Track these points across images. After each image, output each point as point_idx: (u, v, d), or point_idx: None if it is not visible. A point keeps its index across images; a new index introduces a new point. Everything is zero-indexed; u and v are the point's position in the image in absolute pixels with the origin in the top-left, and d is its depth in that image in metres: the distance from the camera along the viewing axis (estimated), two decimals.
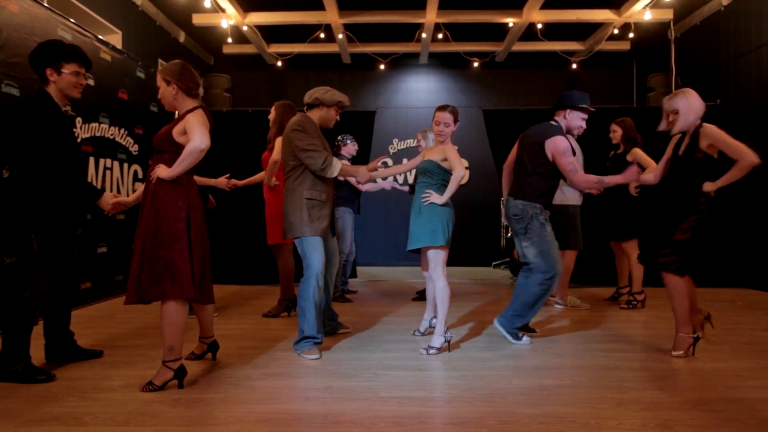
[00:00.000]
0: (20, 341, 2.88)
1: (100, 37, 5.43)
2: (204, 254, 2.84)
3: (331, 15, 7.56)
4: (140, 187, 3.24)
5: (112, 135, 5.39)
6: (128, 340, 3.77)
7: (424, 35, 8.28)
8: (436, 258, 3.52)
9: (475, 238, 9.01)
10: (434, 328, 3.60)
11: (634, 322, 4.42)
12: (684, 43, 7.97)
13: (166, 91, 2.83)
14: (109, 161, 5.32)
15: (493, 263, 8.74)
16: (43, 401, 2.58)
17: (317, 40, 8.48)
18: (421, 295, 5.62)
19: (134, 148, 5.76)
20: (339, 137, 5.37)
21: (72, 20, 4.84)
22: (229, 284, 6.47)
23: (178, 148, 2.73)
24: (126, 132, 5.62)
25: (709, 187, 3.32)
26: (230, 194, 4.83)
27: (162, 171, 2.72)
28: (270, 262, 4.77)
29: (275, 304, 4.74)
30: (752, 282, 6.23)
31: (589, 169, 5.21)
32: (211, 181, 4.39)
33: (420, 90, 9.68)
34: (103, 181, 5.23)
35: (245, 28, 8.00)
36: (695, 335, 3.37)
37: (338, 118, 3.72)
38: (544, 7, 7.41)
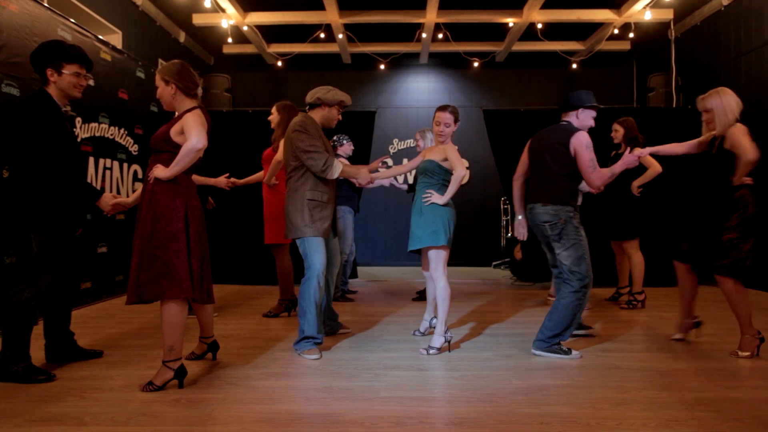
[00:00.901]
0: (20, 341, 2.88)
1: (100, 37, 5.43)
2: (203, 254, 2.83)
3: (331, 15, 7.56)
4: (140, 188, 3.23)
5: (112, 135, 5.39)
6: (128, 340, 3.77)
7: (424, 35, 8.28)
8: (437, 258, 3.52)
9: (475, 238, 9.01)
10: (434, 328, 3.60)
11: (634, 322, 4.42)
12: (684, 43, 7.97)
13: (165, 91, 2.83)
14: (109, 161, 5.32)
15: (493, 263, 8.74)
16: (43, 401, 2.58)
17: (317, 40, 8.48)
18: (421, 295, 5.62)
19: (134, 148, 5.76)
20: (335, 137, 5.38)
21: (72, 20, 4.84)
22: (229, 284, 6.48)
23: (176, 148, 2.73)
24: (126, 132, 5.62)
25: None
26: (230, 194, 4.84)
27: (159, 171, 2.72)
28: (270, 262, 4.78)
29: (275, 304, 4.74)
30: (752, 282, 6.22)
31: None
32: (211, 181, 4.39)
33: (420, 90, 9.69)
34: (103, 180, 5.23)
35: (245, 28, 8.00)
36: (760, 336, 3.38)
37: (340, 117, 3.72)
38: (544, 7, 7.41)
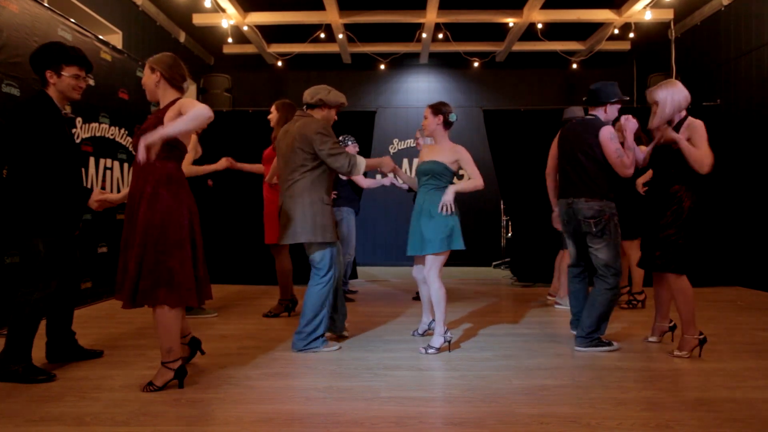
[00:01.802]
0: (23, 342, 2.87)
1: (101, 37, 5.44)
2: (203, 258, 2.82)
3: (331, 15, 7.56)
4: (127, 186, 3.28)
5: (112, 135, 5.39)
6: (128, 340, 3.77)
7: (424, 35, 8.28)
8: (436, 261, 3.51)
9: (475, 238, 9.00)
10: (433, 330, 3.60)
11: (634, 322, 4.42)
12: (684, 43, 7.97)
13: (150, 79, 2.78)
14: (109, 161, 5.32)
15: (494, 263, 8.74)
16: (43, 401, 2.58)
17: (317, 40, 8.48)
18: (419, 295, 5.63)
19: None
20: (341, 138, 5.38)
21: (72, 20, 4.84)
22: (229, 284, 6.47)
23: (170, 139, 2.61)
24: (126, 132, 5.62)
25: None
26: (230, 194, 4.83)
27: (159, 132, 2.47)
28: (270, 262, 4.77)
29: (275, 304, 4.74)
30: (752, 282, 6.23)
31: None
32: (212, 167, 4.47)
33: (420, 90, 9.68)
34: (104, 180, 5.23)
35: (245, 28, 8.00)
36: (701, 336, 3.35)
37: (336, 118, 3.73)
38: (544, 7, 7.41)
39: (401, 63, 9.38)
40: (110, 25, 6.56)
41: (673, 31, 8.00)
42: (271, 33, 8.55)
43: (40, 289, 2.89)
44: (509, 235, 8.18)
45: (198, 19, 7.86)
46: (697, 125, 3.30)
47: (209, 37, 8.82)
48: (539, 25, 7.98)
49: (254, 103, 9.01)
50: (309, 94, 3.61)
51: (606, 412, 2.47)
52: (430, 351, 3.43)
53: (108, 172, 5.31)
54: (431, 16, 7.58)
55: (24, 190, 2.91)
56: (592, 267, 3.63)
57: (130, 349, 3.51)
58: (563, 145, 3.67)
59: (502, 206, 8.63)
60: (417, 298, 5.58)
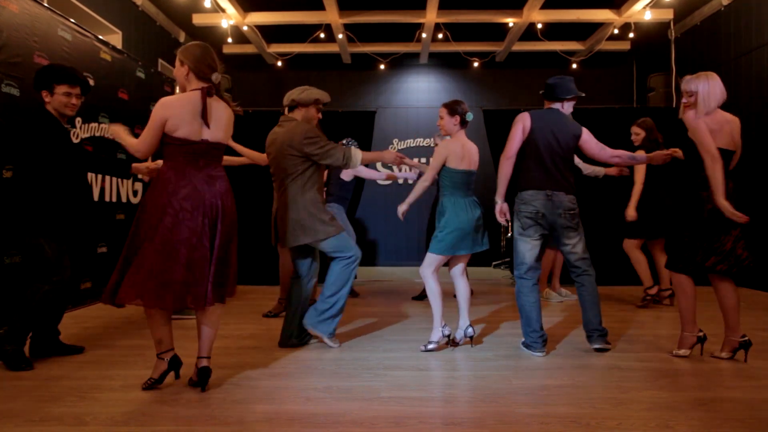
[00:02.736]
0: (23, 327, 3.10)
1: (100, 37, 5.43)
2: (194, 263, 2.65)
3: (331, 15, 7.57)
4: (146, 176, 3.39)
5: (112, 135, 5.38)
6: (128, 340, 3.76)
7: (424, 35, 8.28)
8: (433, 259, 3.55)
9: None
10: (468, 336, 3.59)
11: (634, 322, 4.42)
12: (684, 43, 7.97)
13: (179, 72, 2.76)
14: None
15: (493, 263, 8.74)
16: (43, 401, 2.58)
17: (317, 40, 8.48)
18: (421, 294, 5.64)
19: None
20: (343, 141, 5.37)
21: (72, 20, 4.83)
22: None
23: (165, 138, 2.68)
24: (126, 132, 5.61)
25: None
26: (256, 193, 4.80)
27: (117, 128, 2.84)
28: (269, 262, 4.77)
29: (275, 304, 4.74)
30: (752, 282, 6.22)
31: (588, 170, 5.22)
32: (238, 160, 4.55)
33: (420, 90, 9.69)
34: (103, 181, 5.23)
35: (245, 28, 8.00)
36: (701, 334, 3.36)
37: (320, 115, 3.72)
38: (544, 7, 7.41)
39: (401, 63, 9.38)
40: (110, 25, 6.56)
41: (673, 31, 8.00)
42: (271, 33, 8.55)
43: (49, 283, 3.10)
44: (509, 235, 8.18)
45: (198, 19, 7.86)
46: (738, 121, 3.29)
47: (209, 37, 8.80)
48: (539, 25, 7.98)
49: (254, 103, 9.00)
50: (285, 97, 3.67)
51: (606, 412, 2.47)
52: (429, 347, 3.45)
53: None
54: (431, 16, 7.58)
55: (27, 192, 3.17)
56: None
57: (129, 350, 3.51)
58: (543, 135, 3.50)
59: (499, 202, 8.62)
60: (416, 298, 5.58)
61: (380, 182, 5.35)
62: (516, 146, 3.54)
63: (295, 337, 3.61)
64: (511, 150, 3.56)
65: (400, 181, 5.17)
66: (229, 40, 8.11)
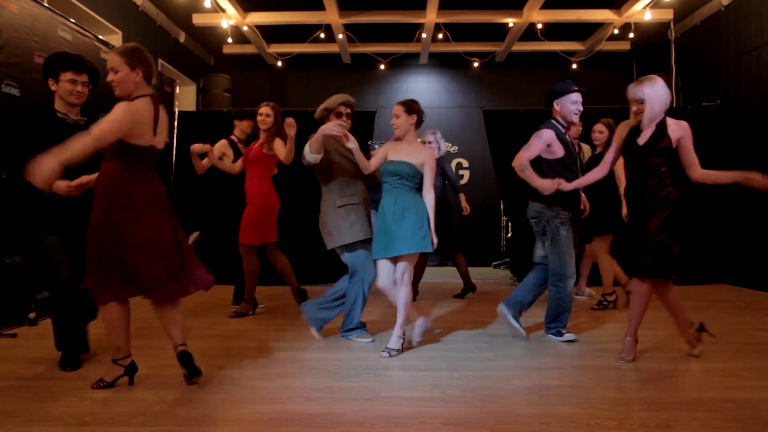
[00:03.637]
0: (57, 330, 3.14)
1: (100, 37, 5.43)
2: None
3: (331, 15, 7.56)
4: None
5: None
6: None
7: (424, 35, 8.28)
8: (411, 263, 3.44)
9: (475, 238, 9.00)
10: (421, 330, 3.60)
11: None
12: (684, 43, 7.97)
13: (129, 77, 2.61)
14: None
15: (493, 263, 8.74)
16: (43, 401, 2.58)
17: (317, 40, 8.48)
18: (463, 291, 5.66)
19: None
20: (368, 142, 5.34)
21: (72, 20, 4.84)
22: (230, 285, 6.45)
23: (119, 143, 2.59)
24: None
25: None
26: (229, 194, 4.80)
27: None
28: (268, 262, 4.77)
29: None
30: (752, 282, 6.22)
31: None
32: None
33: (420, 90, 9.68)
34: None
35: (245, 28, 8.00)
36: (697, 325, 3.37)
37: (345, 118, 3.75)
38: (544, 7, 7.41)
39: (401, 63, 9.38)
40: (110, 25, 6.56)
41: (673, 31, 8.00)
42: (271, 33, 8.55)
43: (59, 279, 3.09)
44: (509, 235, 8.18)
45: (198, 19, 7.86)
46: (687, 126, 3.23)
47: (209, 37, 8.82)
48: (539, 25, 7.98)
49: (254, 103, 8.92)
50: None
51: (606, 412, 2.46)
52: (393, 353, 3.37)
53: None
54: (431, 16, 7.57)
55: (27, 192, 3.03)
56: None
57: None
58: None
59: (501, 206, 8.63)
60: (458, 296, 5.62)
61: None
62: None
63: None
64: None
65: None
66: (229, 40, 8.11)
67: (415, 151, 3.49)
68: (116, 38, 6.64)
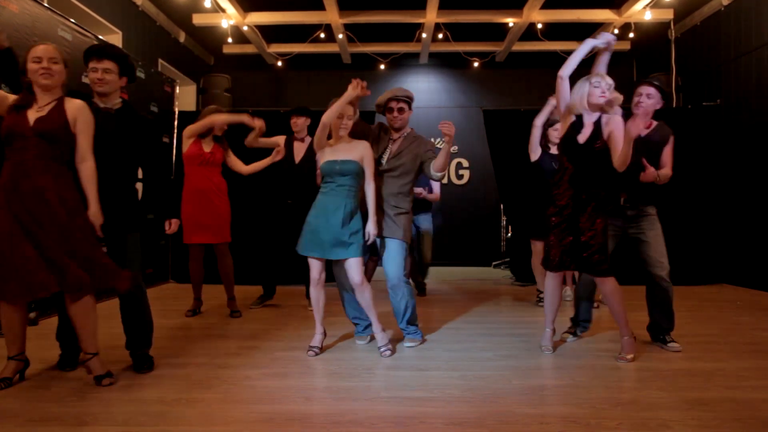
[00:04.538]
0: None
1: (101, 37, 5.43)
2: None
3: (331, 15, 7.56)
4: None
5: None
6: None
7: (424, 35, 8.28)
8: (360, 265, 3.38)
9: (475, 238, 9.01)
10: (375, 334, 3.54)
11: (632, 323, 4.40)
12: (684, 43, 7.97)
13: (65, 72, 2.89)
14: None
15: (493, 263, 8.74)
16: (43, 401, 2.58)
17: (317, 40, 8.48)
18: (421, 291, 5.64)
19: None
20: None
21: (72, 20, 4.83)
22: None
23: (72, 140, 2.77)
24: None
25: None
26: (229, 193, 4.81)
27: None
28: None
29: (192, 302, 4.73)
30: (752, 281, 6.23)
31: None
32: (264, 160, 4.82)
33: (420, 90, 9.66)
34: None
35: (245, 28, 8.00)
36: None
37: (395, 114, 3.81)
38: (544, 7, 7.41)
39: (401, 63, 9.38)
40: (110, 25, 6.56)
41: (673, 31, 8.00)
42: (271, 33, 8.55)
43: None
44: (509, 235, 8.18)
45: (198, 19, 7.86)
46: (620, 120, 3.22)
47: (209, 37, 8.82)
48: (539, 25, 7.98)
49: (254, 103, 9.01)
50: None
51: (606, 412, 2.47)
52: (388, 348, 3.42)
53: None
54: (431, 16, 7.58)
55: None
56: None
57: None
58: None
59: (501, 207, 8.63)
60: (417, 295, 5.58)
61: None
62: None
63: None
64: None
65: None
66: (229, 40, 8.11)
67: (353, 148, 3.49)
68: (116, 38, 6.64)
